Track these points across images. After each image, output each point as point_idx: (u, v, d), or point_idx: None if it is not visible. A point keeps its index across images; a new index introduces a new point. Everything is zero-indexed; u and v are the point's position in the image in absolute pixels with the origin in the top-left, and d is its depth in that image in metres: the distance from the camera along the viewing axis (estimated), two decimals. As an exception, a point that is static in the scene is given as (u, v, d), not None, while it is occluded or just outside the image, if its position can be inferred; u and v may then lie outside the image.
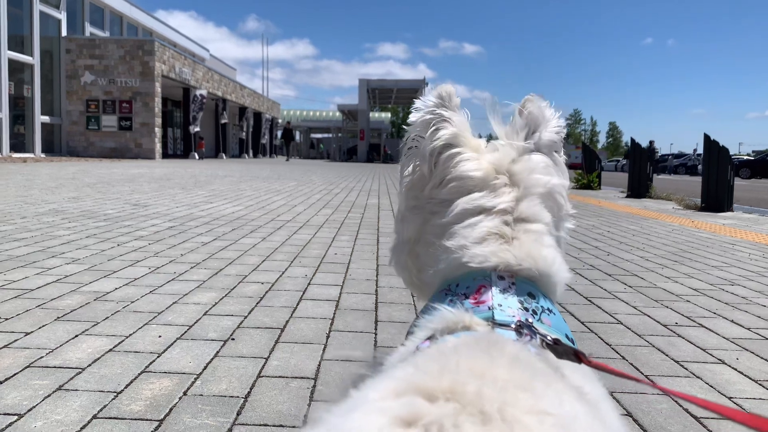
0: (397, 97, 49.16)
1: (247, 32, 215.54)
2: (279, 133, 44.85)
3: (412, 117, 0.84)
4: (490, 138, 0.84)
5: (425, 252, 0.81)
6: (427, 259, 0.80)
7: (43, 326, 1.86)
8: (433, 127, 0.81)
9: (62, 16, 22.52)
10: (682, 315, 2.26)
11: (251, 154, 38.76)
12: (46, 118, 21.80)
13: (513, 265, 0.70)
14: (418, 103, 0.85)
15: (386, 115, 70.00)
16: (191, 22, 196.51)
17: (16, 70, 20.15)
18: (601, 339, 1.92)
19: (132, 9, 28.24)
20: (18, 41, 20.10)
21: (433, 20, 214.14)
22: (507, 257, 0.71)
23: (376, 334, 1.91)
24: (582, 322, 2.10)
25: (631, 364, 1.69)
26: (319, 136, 75.05)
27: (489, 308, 0.65)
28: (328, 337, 1.86)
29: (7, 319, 1.92)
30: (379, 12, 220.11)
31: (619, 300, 2.46)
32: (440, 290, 0.73)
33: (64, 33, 22.74)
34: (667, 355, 1.78)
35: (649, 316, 2.23)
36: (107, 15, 26.08)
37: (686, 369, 1.67)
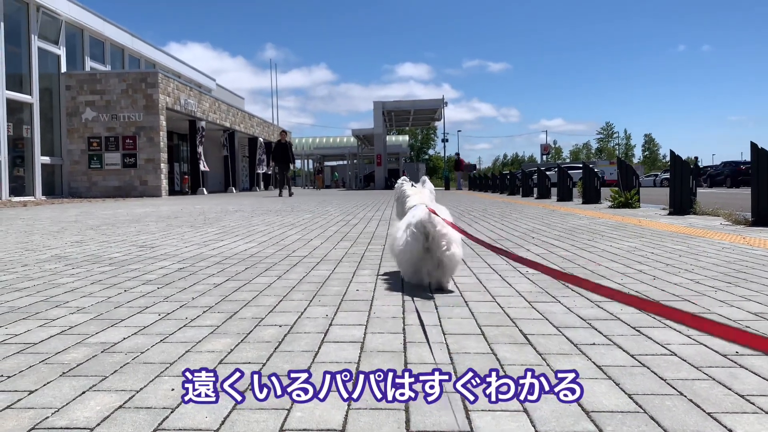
0: (415, 118, 49.33)
1: (264, 61, 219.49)
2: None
3: (397, 185, 3.94)
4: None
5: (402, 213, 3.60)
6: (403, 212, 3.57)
7: (48, 383, 1.85)
8: (400, 187, 3.82)
9: (61, 52, 23.11)
10: (743, 343, 2.19)
11: (262, 186, 39.04)
12: (46, 159, 22.23)
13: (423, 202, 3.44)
14: (399, 181, 3.91)
15: (404, 138, 70.31)
16: (208, 53, 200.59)
17: (15, 110, 20.64)
18: (655, 373, 1.86)
19: (134, 41, 28.91)
20: (16, 80, 20.63)
21: (456, 39, 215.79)
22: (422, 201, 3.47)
23: (406, 378, 1.87)
24: (632, 356, 2.05)
25: (691, 400, 1.63)
26: (333, 163, 75.50)
27: (423, 210, 3.10)
28: (353, 383, 1.82)
29: (9, 376, 1.92)
30: (399, 33, 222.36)
31: (670, 328, 2.40)
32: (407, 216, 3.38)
33: (63, 69, 23.29)
34: (730, 389, 1.72)
35: (705, 345, 2.17)
36: (108, 48, 26.71)
37: (753, 404, 1.61)
